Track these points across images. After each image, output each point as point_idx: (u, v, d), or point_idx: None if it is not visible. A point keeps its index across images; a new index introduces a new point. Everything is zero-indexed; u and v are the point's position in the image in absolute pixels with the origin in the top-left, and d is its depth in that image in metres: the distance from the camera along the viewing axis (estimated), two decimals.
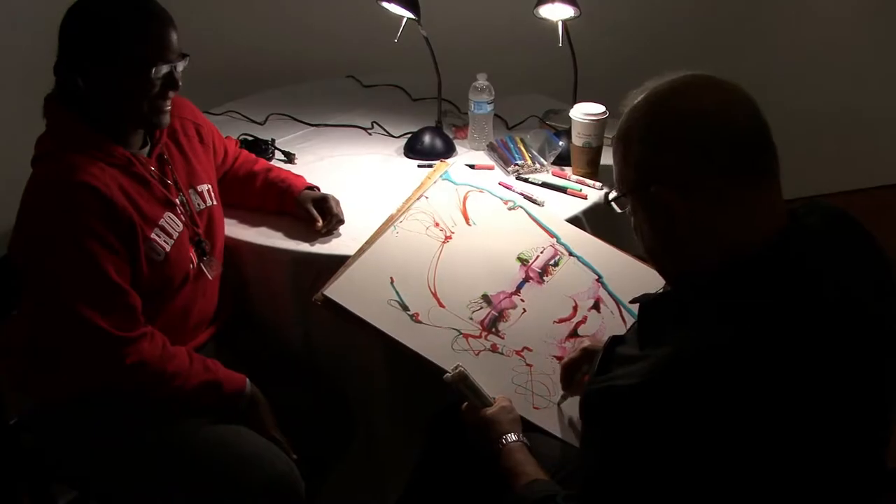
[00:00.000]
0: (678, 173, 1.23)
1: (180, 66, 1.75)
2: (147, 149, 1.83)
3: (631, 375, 1.19)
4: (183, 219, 1.84)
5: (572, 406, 1.76)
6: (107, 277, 1.67)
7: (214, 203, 1.95)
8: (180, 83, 1.76)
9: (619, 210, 1.37)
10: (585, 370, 1.73)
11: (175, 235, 1.80)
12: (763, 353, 1.16)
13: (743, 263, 1.21)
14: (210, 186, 1.95)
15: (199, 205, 1.90)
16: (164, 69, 1.71)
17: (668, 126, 1.23)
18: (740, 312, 1.18)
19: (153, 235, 1.76)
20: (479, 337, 1.87)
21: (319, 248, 2.04)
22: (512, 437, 1.60)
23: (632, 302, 1.36)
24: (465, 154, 2.44)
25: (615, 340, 1.35)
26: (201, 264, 1.88)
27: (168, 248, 1.78)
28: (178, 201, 1.84)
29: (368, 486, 2.15)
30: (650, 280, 1.86)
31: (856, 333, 1.22)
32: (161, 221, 1.78)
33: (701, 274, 1.25)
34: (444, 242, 2.02)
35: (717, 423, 1.16)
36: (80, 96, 1.72)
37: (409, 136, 2.50)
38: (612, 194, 1.35)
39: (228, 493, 1.74)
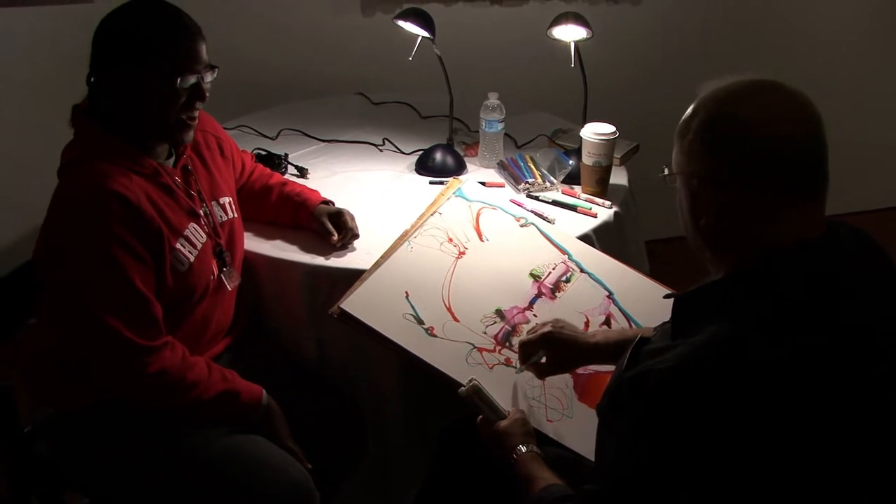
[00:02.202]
0: (726, 174, 1.25)
1: (208, 78, 1.76)
2: (172, 160, 1.85)
3: (665, 361, 1.22)
4: (206, 230, 1.85)
5: (587, 419, 1.78)
6: (133, 286, 1.68)
7: (235, 215, 1.97)
8: (208, 94, 1.77)
9: (668, 184, 1.39)
10: (542, 355, 1.76)
11: (199, 246, 1.82)
12: (791, 350, 1.19)
13: (773, 265, 1.24)
14: (231, 199, 1.97)
15: (221, 216, 1.92)
16: (192, 80, 1.72)
17: (729, 129, 1.25)
18: (771, 308, 1.21)
19: (178, 245, 1.77)
20: (493, 351, 1.89)
21: (334, 261, 2.06)
22: (525, 448, 1.62)
23: (666, 297, 1.38)
24: (476, 171, 2.47)
25: (642, 341, 1.37)
26: (221, 275, 1.89)
27: (192, 259, 1.80)
28: (202, 212, 1.85)
29: (380, 498, 2.16)
30: (660, 297, 1.90)
31: (879, 343, 1.25)
32: (186, 231, 1.80)
33: (729, 263, 1.29)
34: (457, 258, 2.05)
35: (748, 409, 1.17)
36: (108, 107, 1.74)
37: (419, 153, 2.52)
38: (666, 170, 1.37)
39: (245, 502, 1.75)
